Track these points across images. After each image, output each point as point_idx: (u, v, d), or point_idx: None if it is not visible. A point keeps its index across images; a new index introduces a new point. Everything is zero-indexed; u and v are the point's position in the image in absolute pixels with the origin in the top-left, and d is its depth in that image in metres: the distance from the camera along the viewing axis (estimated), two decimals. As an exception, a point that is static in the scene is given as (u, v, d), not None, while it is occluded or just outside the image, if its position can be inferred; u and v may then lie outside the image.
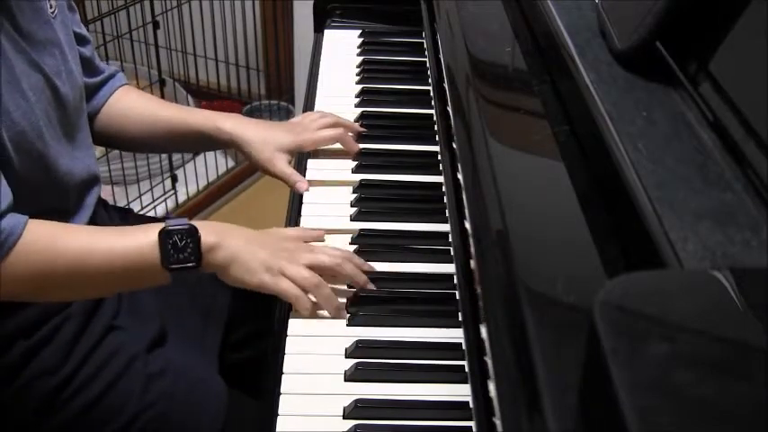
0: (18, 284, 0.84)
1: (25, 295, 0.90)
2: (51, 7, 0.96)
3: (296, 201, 1.09)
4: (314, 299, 0.90)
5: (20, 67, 0.89)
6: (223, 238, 0.89)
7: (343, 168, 1.14)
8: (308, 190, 1.09)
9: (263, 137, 1.11)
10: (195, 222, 0.89)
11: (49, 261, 0.85)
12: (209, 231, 0.88)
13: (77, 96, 1.00)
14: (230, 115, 1.16)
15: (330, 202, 1.08)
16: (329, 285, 0.90)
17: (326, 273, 0.91)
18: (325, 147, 1.16)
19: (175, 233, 0.86)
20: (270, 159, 1.10)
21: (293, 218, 1.07)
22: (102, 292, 0.99)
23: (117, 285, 0.93)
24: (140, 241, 0.87)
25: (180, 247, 0.86)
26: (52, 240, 0.85)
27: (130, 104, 1.16)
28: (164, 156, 2.36)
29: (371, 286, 0.93)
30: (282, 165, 1.10)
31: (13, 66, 0.87)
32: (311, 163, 1.16)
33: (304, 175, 1.12)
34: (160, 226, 0.87)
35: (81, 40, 1.08)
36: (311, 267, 0.90)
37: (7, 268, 0.82)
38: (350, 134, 1.18)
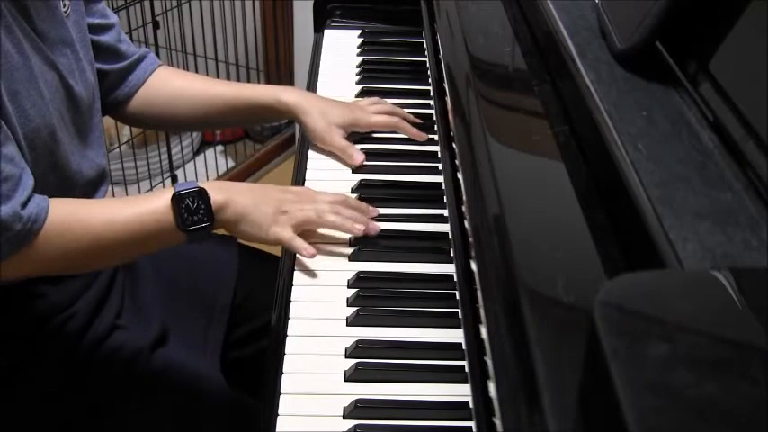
0: (49, 263, 0.89)
1: (56, 271, 0.95)
2: (65, 6, 0.96)
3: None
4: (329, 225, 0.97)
5: (37, 65, 0.89)
6: (230, 195, 0.94)
7: (343, 168, 1.15)
8: (362, 164, 1.13)
9: (322, 110, 1.16)
10: (202, 183, 0.93)
11: (73, 238, 0.88)
12: (217, 190, 0.93)
13: (90, 96, 1.01)
14: (289, 88, 1.21)
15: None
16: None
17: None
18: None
19: (187, 197, 0.91)
20: (327, 132, 1.15)
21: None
22: (125, 259, 1.04)
23: (139, 251, 0.97)
24: (155, 208, 0.91)
25: (193, 209, 0.91)
26: (75, 219, 0.89)
27: (180, 84, 1.17)
28: (164, 156, 2.36)
29: (374, 228, 0.99)
30: (338, 138, 1.15)
31: (31, 63, 0.88)
32: (311, 163, 1.16)
33: (304, 177, 1.13)
34: (170, 192, 0.91)
35: (100, 29, 1.08)
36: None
37: (36, 250, 0.86)
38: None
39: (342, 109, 1.18)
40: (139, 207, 0.91)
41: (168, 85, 1.17)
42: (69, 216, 0.89)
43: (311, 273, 0.96)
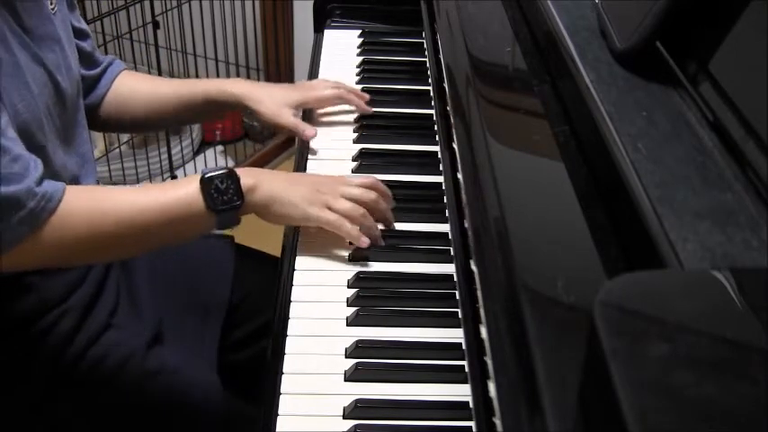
0: (66, 248, 0.87)
1: (74, 259, 0.93)
2: (52, 4, 0.96)
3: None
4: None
5: (24, 60, 0.89)
6: (260, 179, 0.93)
7: (344, 168, 1.15)
8: (315, 135, 1.15)
9: (269, 94, 1.18)
10: (231, 167, 0.93)
11: (94, 223, 0.87)
12: (246, 174, 0.93)
13: (75, 91, 1.01)
14: (234, 79, 1.22)
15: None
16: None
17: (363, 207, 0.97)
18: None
19: (216, 178, 0.90)
20: (277, 113, 1.17)
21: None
22: (151, 248, 1.01)
23: (166, 238, 0.95)
24: (183, 192, 0.90)
25: (222, 189, 0.90)
26: (96, 202, 0.88)
27: (134, 86, 1.19)
28: (164, 156, 2.36)
29: (393, 225, 1.01)
30: (289, 116, 1.17)
31: (17, 59, 0.88)
32: (311, 163, 1.16)
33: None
34: (198, 176, 0.91)
35: (81, 35, 1.09)
36: (350, 200, 0.96)
37: (52, 233, 0.85)
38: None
39: (289, 90, 1.21)
40: (166, 191, 0.90)
41: (123, 86, 1.18)
42: (90, 199, 0.88)
43: (311, 273, 0.95)
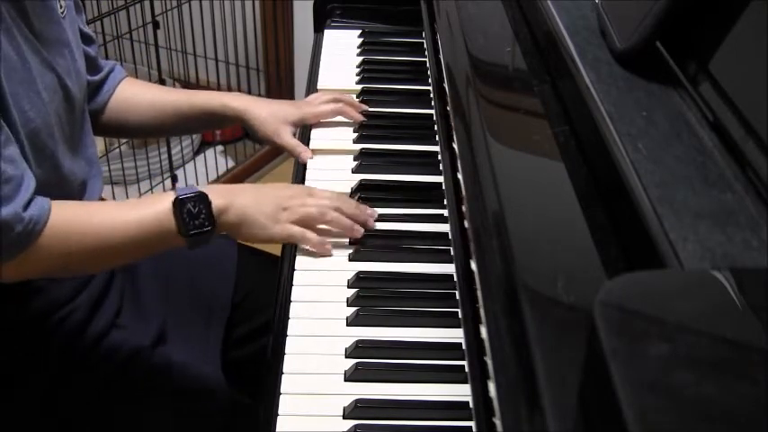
0: (50, 265, 0.89)
1: (58, 273, 0.95)
2: (61, 7, 0.96)
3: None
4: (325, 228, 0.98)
5: (35, 67, 0.89)
6: (231, 199, 0.94)
7: (343, 169, 1.15)
8: (311, 158, 1.15)
9: (269, 111, 1.18)
10: (203, 188, 0.93)
11: (75, 241, 0.89)
12: (218, 194, 0.94)
13: (83, 96, 1.02)
14: (235, 94, 1.23)
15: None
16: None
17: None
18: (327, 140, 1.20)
19: (188, 201, 0.91)
20: (276, 131, 1.17)
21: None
22: (126, 262, 1.04)
23: (140, 254, 0.97)
24: (157, 211, 0.91)
25: (194, 213, 0.91)
26: (77, 221, 0.89)
27: (136, 94, 1.19)
28: (164, 156, 2.36)
29: (372, 224, 1.00)
30: (288, 136, 1.17)
31: (29, 65, 0.88)
32: (311, 163, 1.16)
33: (303, 178, 1.13)
34: (172, 196, 0.91)
35: (87, 40, 1.09)
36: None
37: (38, 252, 0.86)
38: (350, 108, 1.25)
39: (289, 108, 1.21)
40: (141, 210, 0.92)
41: (125, 93, 1.19)
42: (71, 219, 0.89)
43: (311, 273, 0.96)
